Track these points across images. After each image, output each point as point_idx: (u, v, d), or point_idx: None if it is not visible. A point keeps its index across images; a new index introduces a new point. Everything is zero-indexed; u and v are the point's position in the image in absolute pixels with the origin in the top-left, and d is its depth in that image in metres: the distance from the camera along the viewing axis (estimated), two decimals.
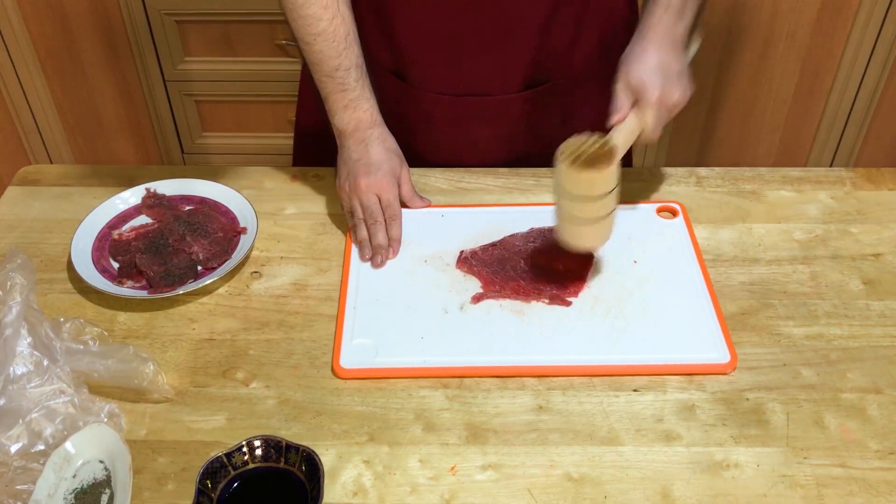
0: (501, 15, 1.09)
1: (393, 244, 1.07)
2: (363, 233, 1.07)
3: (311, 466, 0.79)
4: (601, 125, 1.03)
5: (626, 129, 0.99)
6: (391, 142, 1.11)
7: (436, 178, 1.19)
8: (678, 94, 0.98)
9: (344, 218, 1.12)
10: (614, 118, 0.99)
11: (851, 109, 2.08)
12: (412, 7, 1.09)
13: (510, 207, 1.14)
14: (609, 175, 0.92)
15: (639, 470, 0.83)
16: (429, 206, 1.13)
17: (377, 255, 1.06)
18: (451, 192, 1.17)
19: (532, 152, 1.22)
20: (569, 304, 0.99)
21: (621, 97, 0.99)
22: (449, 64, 1.14)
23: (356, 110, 1.08)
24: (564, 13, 1.10)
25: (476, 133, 1.21)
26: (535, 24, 1.10)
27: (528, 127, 1.20)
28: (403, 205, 1.12)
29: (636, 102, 0.99)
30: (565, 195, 0.95)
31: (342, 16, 1.05)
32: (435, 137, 1.22)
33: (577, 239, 0.99)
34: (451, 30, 1.10)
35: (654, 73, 0.97)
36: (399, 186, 1.11)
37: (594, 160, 0.92)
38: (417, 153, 1.20)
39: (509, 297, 1.00)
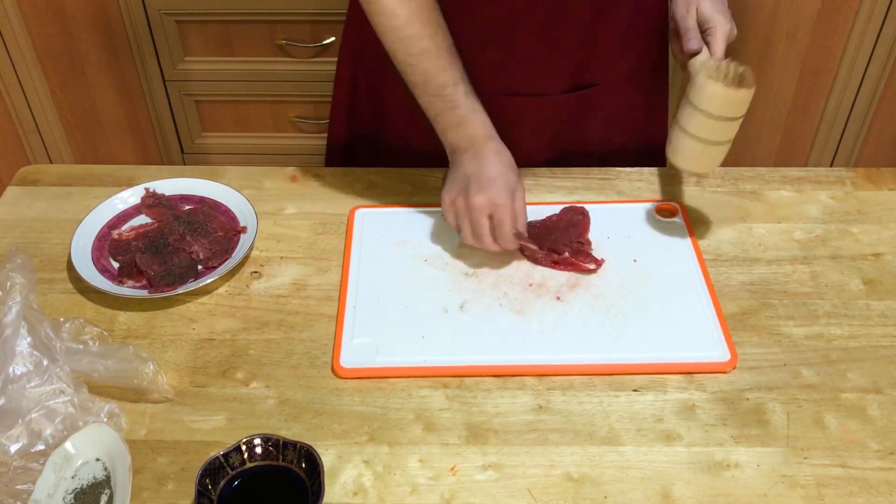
0: (553, 11, 1.08)
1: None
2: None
3: (311, 462, 0.79)
4: (642, 132, 1.05)
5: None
6: (507, 155, 1.04)
7: (436, 179, 1.19)
8: (734, 27, 1.04)
9: (344, 217, 1.12)
10: (692, 46, 1.02)
11: (851, 109, 2.08)
12: (468, 6, 1.07)
13: None
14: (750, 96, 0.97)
15: (639, 470, 0.83)
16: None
17: None
18: None
19: (573, 153, 1.22)
20: (593, 270, 1.03)
21: (694, 29, 1.03)
22: (501, 63, 1.12)
23: (469, 126, 1.03)
24: (614, 15, 1.10)
25: (520, 133, 1.18)
26: (583, 23, 1.10)
27: (571, 129, 1.20)
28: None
29: (705, 32, 1.03)
30: (704, 114, 0.97)
31: (443, 30, 1.01)
32: None
33: (694, 158, 1.01)
34: (505, 28, 1.09)
35: (717, 9, 1.03)
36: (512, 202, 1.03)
37: (743, 79, 0.96)
38: None
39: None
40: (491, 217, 1.00)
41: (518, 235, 1.02)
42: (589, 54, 1.13)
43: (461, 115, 1.02)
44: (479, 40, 1.10)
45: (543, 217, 1.10)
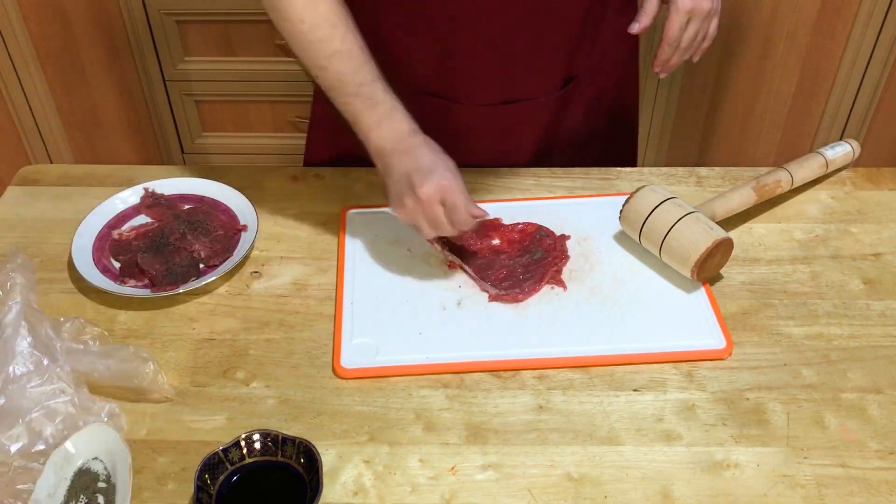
0: (546, 16, 1.08)
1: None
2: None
3: (309, 458, 0.79)
4: (615, 112, 1.04)
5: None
6: (434, 145, 1.00)
7: None
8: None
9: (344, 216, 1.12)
10: (642, 20, 1.02)
11: (851, 109, 2.08)
12: (465, 22, 1.07)
13: (507, 203, 1.13)
14: None
15: (639, 470, 0.83)
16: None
17: None
18: None
19: (563, 146, 1.24)
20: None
21: (650, 2, 1.02)
22: (496, 73, 1.12)
23: (392, 121, 0.99)
24: (596, 10, 1.11)
25: (519, 137, 1.20)
26: (574, 20, 1.10)
27: (562, 122, 1.21)
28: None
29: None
30: None
31: (352, 31, 0.99)
32: (479, 149, 1.20)
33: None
34: (500, 38, 1.09)
35: None
36: None
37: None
38: (461, 167, 1.20)
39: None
40: (443, 204, 0.96)
41: (474, 216, 0.99)
42: (575, 50, 1.14)
43: (382, 112, 0.99)
44: (480, 53, 1.10)
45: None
